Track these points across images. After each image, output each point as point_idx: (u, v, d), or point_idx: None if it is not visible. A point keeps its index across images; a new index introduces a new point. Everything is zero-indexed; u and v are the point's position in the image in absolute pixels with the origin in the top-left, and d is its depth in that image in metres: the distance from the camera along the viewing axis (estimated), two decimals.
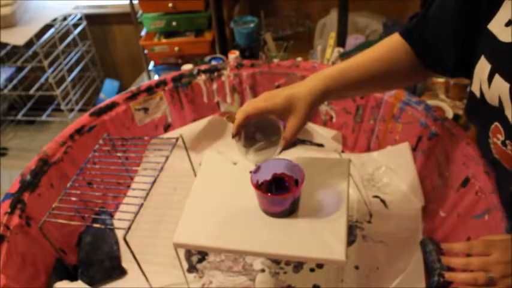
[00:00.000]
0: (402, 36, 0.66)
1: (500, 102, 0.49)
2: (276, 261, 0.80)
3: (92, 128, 0.95)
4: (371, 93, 0.93)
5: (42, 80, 2.18)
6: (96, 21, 2.21)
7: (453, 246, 0.58)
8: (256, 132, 0.64)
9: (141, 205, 0.72)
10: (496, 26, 0.49)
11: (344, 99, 1.00)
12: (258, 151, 0.64)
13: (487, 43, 0.51)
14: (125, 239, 0.67)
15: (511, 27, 0.46)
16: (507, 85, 0.46)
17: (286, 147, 0.63)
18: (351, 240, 0.83)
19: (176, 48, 1.72)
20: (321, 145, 1.06)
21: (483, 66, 0.50)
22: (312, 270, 0.78)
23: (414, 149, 0.91)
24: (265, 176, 0.67)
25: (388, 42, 0.67)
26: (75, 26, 2.17)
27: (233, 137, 0.63)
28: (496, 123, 0.52)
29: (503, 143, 0.51)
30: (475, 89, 0.54)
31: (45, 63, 1.95)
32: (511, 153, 0.51)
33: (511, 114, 0.47)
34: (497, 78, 0.47)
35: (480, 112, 0.55)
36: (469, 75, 0.57)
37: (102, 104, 0.99)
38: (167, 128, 1.10)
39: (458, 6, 0.55)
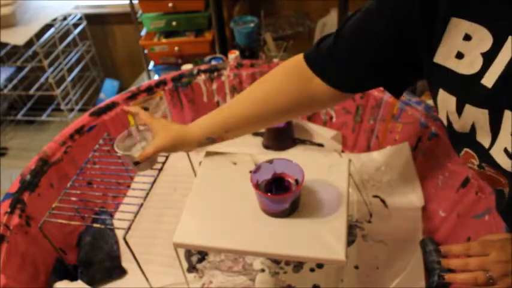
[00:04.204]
0: (310, 67, 0.65)
1: (472, 128, 0.48)
2: (276, 261, 0.80)
3: (91, 128, 0.95)
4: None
5: (42, 79, 2.17)
6: (96, 21, 2.21)
7: (451, 248, 0.58)
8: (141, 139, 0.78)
9: (141, 205, 0.72)
10: (446, 59, 0.48)
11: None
12: (128, 150, 0.76)
13: (442, 77, 0.50)
14: (124, 239, 0.67)
15: (467, 59, 0.46)
16: (485, 111, 0.45)
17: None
18: (351, 240, 0.83)
19: (176, 48, 1.72)
20: (321, 145, 1.06)
21: (446, 99, 0.50)
22: (312, 270, 0.78)
23: (414, 149, 0.91)
24: (265, 175, 0.67)
25: (287, 73, 0.68)
26: (75, 25, 2.16)
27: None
28: (466, 150, 0.51)
29: (480, 167, 0.51)
30: (442, 117, 0.53)
31: (45, 63, 1.95)
32: (492, 174, 0.51)
33: (489, 137, 0.46)
34: (470, 108, 0.47)
35: (450, 137, 0.54)
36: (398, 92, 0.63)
37: (102, 104, 0.99)
38: None
39: (390, 39, 0.55)
